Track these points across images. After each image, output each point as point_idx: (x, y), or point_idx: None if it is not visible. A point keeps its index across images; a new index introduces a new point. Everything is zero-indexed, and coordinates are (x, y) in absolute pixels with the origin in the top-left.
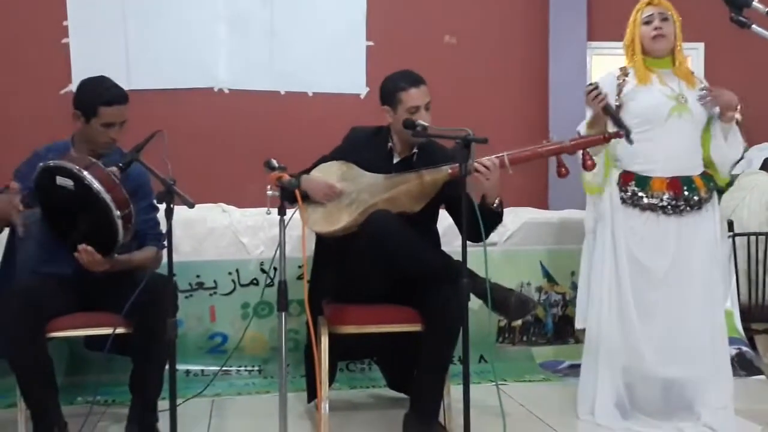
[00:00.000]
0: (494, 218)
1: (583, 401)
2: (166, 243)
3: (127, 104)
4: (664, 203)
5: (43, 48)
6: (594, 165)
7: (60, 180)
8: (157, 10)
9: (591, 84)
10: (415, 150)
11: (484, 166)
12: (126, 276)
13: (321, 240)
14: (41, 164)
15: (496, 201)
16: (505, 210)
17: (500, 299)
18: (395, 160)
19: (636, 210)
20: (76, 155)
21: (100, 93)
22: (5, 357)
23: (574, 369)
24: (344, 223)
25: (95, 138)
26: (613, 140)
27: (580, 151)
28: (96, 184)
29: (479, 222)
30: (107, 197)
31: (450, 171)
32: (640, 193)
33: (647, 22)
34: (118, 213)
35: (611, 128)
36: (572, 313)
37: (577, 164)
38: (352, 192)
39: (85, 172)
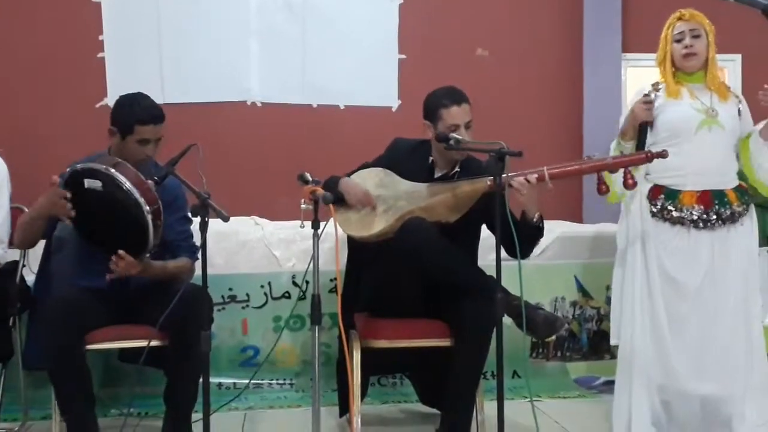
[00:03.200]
0: (534, 233)
1: (618, 419)
2: (199, 255)
3: (163, 123)
4: (694, 217)
5: (79, 62)
6: (635, 184)
7: (88, 183)
8: (191, 25)
9: (650, 95)
10: (457, 169)
11: (520, 182)
12: (160, 289)
13: (353, 252)
14: (68, 169)
15: (536, 216)
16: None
17: (528, 317)
18: (436, 175)
19: (666, 224)
20: (104, 157)
21: (136, 111)
22: (45, 368)
23: (610, 385)
24: (380, 229)
25: (130, 154)
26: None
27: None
28: (126, 183)
29: (515, 237)
30: (137, 193)
31: (489, 183)
32: (669, 207)
33: (678, 40)
34: (148, 209)
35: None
36: (607, 328)
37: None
38: (389, 198)
39: (113, 170)
